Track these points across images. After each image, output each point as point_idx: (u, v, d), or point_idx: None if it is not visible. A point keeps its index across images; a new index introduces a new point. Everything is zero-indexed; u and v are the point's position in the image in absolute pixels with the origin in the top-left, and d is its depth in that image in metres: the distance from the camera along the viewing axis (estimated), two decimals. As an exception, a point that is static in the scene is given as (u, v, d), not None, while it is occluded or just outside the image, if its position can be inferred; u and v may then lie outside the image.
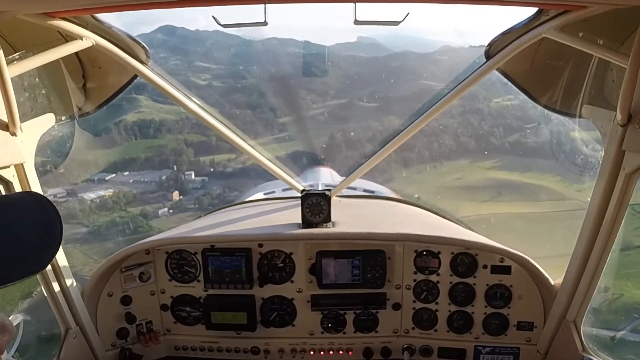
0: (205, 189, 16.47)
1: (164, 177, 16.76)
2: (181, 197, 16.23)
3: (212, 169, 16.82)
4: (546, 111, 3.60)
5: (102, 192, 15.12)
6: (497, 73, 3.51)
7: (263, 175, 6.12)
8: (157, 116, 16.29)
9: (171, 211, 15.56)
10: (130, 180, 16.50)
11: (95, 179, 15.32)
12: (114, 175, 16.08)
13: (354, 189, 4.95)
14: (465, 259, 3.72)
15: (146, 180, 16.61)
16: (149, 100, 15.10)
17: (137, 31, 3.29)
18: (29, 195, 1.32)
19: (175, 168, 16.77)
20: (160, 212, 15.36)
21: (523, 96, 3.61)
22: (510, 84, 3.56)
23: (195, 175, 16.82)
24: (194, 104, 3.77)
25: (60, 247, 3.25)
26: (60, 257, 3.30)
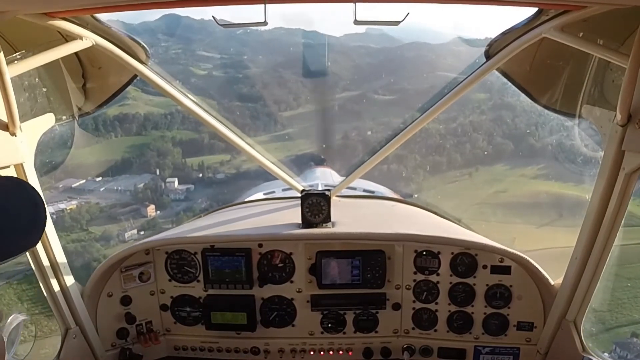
0: (189, 201, 13.77)
1: (141, 185, 13.87)
2: (158, 212, 13.51)
3: (200, 174, 14.34)
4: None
5: (62, 206, 12.16)
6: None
7: (258, 182, 5.94)
8: (143, 109, 13.93)
9: (142, 233, 12.60)
10: (102, 189, 13.67)
11: (60, 186, 12.47)
12: (83, 181, 13.24)
13: (354, 189, 4.95)
14: (465, 259, 3.72)
15: (120, 188, 13.80)
16: (137, 91, 12.85)
17: (140, 19, 3.27)
18: (6, 179, 1.43)
19: (157, 172, 14.08)
20: (127, 235, 12.31)
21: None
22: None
23: (179, 183, 14.09)
24: (194, 105, 3.76)
25: (60, 246, 3.28)
26: (60, 257, 3.30)
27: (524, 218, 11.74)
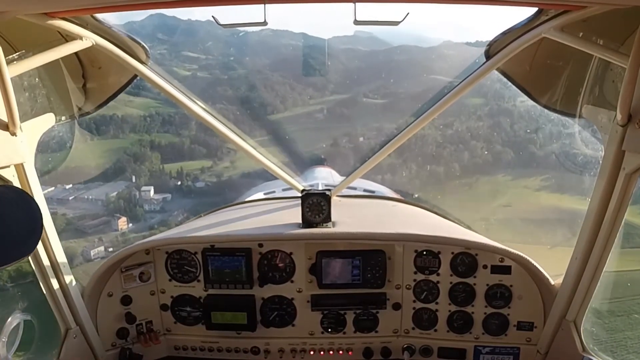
0: (164, 213, 12.70)
1: (114, 194, 12.85)
2: (130, 224, 12.55)
3: (178, 182, 13.37)
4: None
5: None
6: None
7: (250, 187, 5.72)
8: (122, 111, 12.90)
9: (110, 250, 11.23)
10: (71, 197, 12.55)
11: (26, 194, 11.69)
12: (52, 189, 11.79)
13: (354, 188, 4.95)
14: (465, 258, 3.72)
15: (91, 197, 12.77)
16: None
17: (125, 19, 3.27)
18: (6, 188, 1.49)
19: (133, 179, 13.09)
20: (92, 253, 11.18)
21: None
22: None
23: (155, 192, 13.01)
24: (195, 105, 3.76)
25: (60, 246, 3.28)
26: (60, 257, 3.30)
27: (534, 236, 10.94)
